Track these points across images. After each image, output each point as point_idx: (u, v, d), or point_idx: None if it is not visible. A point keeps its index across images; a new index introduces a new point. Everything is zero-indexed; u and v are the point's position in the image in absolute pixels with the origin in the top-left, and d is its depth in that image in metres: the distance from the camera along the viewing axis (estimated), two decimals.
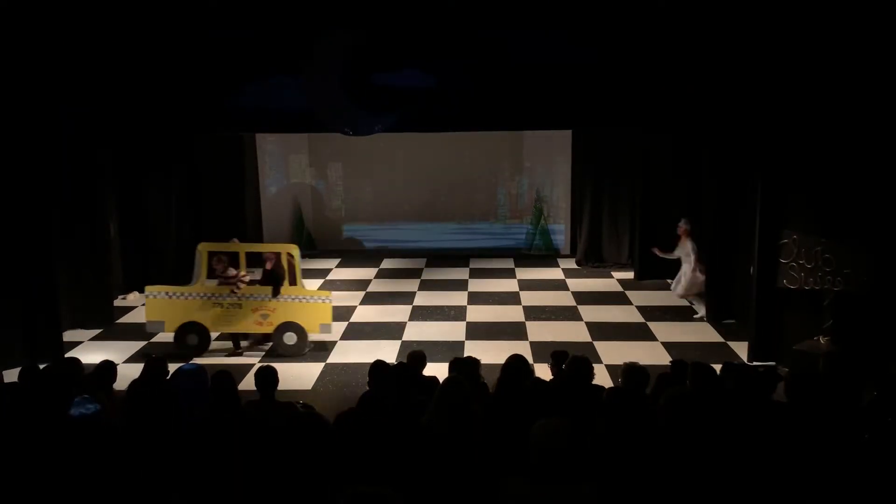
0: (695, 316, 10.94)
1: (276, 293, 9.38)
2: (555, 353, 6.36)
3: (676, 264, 11.21)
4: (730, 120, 9.53)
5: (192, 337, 9.47)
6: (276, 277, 9.42)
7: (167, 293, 9.48)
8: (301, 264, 9.73)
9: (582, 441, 3.49)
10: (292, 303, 9.43)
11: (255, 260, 10.13)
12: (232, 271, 9.47)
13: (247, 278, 9.50)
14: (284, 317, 9.42)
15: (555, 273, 14.05)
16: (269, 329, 9.49)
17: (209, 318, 9.44)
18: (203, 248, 9.50)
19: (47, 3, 8.40)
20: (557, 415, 3.59)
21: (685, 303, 11.29)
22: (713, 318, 10.72)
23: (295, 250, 9.57)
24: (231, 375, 5.21)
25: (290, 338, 9.47)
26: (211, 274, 9.50)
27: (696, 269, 10.75)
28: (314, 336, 9.70)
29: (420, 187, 16.00)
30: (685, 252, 10.79)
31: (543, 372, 6.44)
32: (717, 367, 5.33)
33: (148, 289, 9.60)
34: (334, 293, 12.69)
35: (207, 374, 5.35)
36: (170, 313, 9.45)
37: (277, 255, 9.52)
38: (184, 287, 9.54)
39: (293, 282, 9.47)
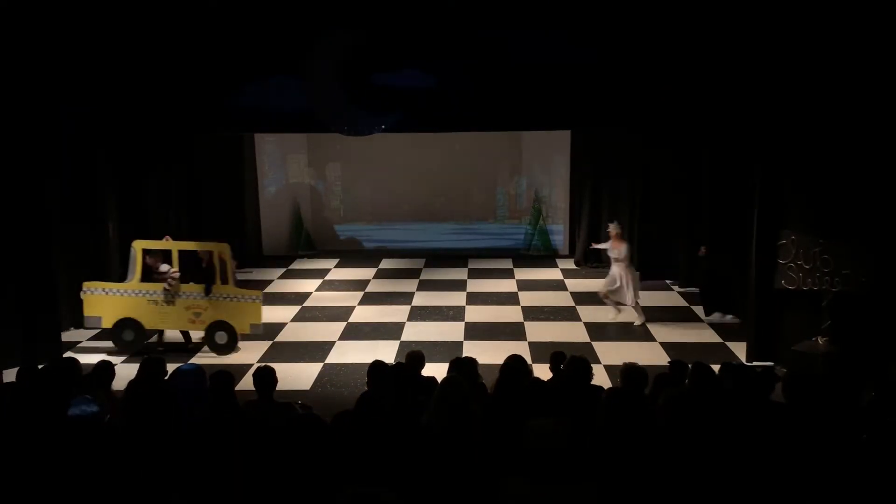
0: (611, 316, 10.78)
1: (207, 291, 9.47)
2: (553, 354, 6.37)
3: (674, 265, 11.18)
4: (729, 120, 9.53)
5: (129, 332, 9.61)
6: (209, 276, 9.50)
7: (104, 289, 9.64)
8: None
9: (577, 440, 3.49)
10: (223, 302, 9.53)
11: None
12: (164, 267, 9.55)
13: (177, 275, 9.55)
14: (215, 315, 9.53)
15: (553, 273, 14.05)
16: (201, 327, 9.62)
17: (144, 314, 9.57)
18: (137, 246, 9.60)
19: (47, 3, 8.40)
20: (556, 415, 3.59)
21: (684, 303, 11.29)
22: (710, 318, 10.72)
23: (226, 249, 9.63)
24: (230, 375, 5.21)
25: (220, 337, 9.58)
26: (148, 273, 9.60)
27: (628, 271, 10.52)
28: (246, 335, 9.75)
29: (419, 187, 16.01)
30: (619, 254, 10.45)
31: (542, 372, 6.44)
32: (716, 368, 5.34)
33: (85, 285, 9.71)
34: (333, 293, 12.82)
35: (206, 373, 5.36)
36: (106, 309, 9.60)
37: (210, 253, 9.57)
38: (119, 283, 9.70)
39: (224, 280, 9.54)
